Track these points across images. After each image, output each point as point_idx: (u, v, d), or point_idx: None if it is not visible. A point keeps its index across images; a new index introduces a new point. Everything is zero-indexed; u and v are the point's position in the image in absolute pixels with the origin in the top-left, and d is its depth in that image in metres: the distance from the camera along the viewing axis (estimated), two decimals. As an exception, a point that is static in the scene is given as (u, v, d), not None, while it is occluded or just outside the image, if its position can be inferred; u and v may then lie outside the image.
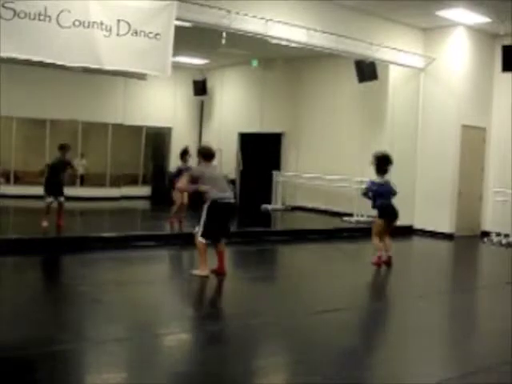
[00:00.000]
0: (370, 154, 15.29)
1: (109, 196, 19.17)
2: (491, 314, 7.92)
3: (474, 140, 14.64)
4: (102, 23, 9.25)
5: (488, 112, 14.88)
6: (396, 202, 10.46)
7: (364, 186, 10.76)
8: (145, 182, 20.94)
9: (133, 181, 20.67)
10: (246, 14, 11.06)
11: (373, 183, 10.39)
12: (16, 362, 5.03)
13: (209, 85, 21.06)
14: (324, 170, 17.14)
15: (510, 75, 13.55)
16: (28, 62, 9.82)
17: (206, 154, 8.77)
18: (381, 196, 10.23)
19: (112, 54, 9.48)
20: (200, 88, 20.95)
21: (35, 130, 18.86)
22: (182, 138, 21.05)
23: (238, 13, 10.90)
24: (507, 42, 13.34)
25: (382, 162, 10.32)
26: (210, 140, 20.81)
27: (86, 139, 19.73)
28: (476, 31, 14.24)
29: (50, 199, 11.74)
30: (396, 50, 13.78)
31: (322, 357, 5.56)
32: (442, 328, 7.15)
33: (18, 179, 18.17)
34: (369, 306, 8.17)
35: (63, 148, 12.09)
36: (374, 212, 10.51)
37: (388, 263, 10.23)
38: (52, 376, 4.77)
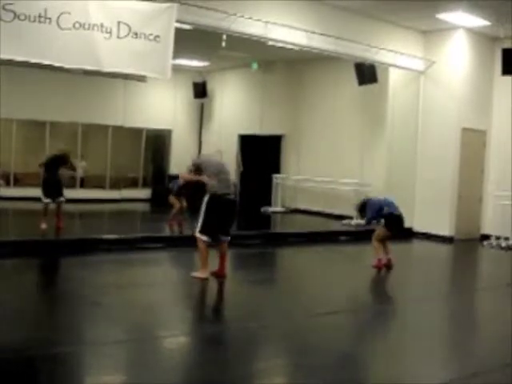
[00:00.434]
0: (371, 156, 15.38)
1: (108, 198, 19.17)
2: (491, 316, 7.92)
3: (473, 143, 14.63)
4: (102, 25, 9.25)
5: (488, 115, 14.87)
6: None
7: (366, 217, 10.44)
8: (145, 185, 20.93)
9: (133, 183, 20.67)
10: (245, 17, 11.06)
11: (368, 208, 10.32)
12: (15, 364, 5.02)
13: (209, 87, 21.06)
14: (324, 172, 17.14)
15: (510, 78, 13.55)
16: (28, 64, 9.80)
17: None
18: (383, 205, 10.19)
19: (112, 56, 9.49)
20: (200, 90, 20.96)
21: (35, 131, 18.85)
22: (182, 141, 21.12)
23: (237, 15, 10.91)
24: (507, 45, 13.34)
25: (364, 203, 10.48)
26: (210, 142, 20.89)
27: (85, 141, 19.73)
28: (476, 34, 14.24)
29: (46, 200, 11.71)
30: (396, 52, 13.79)
31: (322, 359, 5.55)
32: (442, 330, 7.15)
33: (18, 181, 18.17)
34: (369, 308, 8.15)
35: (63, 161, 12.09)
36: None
37: (388, 266, 10.22)
38: (51, 378, 4.77)
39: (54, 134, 18.64)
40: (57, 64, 9.21)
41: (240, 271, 9.95)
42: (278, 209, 18.18)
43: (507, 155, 14.36)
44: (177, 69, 14.67)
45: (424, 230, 14.59)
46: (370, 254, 10.57)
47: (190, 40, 13.42)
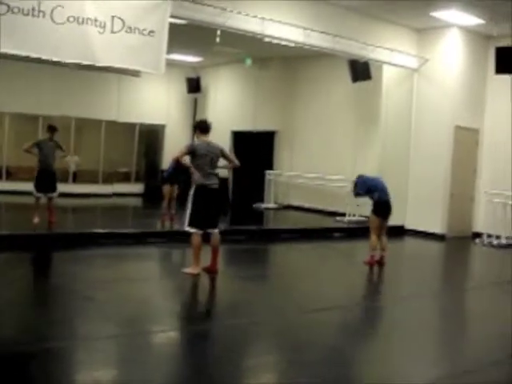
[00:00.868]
0: (364, 153, 15.41)
1: (101, 193, 19.15)
2: (482, 314, 7.94)
3: (466, 141, 14.67)
4: (96, 20, 9.22)
5: (481, 113, 14.91)
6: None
7: (353, 185, 10.72)
8: (137, 180, 20.93)
9: (125, 178, 20.66)
10: (242, 13, 11.05)
11: (363, 180, 10.38)
12: (6, 360, 5.01)
13: (203, 83, 21.04)
14: (317, 169, 17.17)
15: (503, 77, 13.58)
16: (21, 58, 9.78)
17: (203, 127, 8.75)
18: (376, 189, 10.21)
19: (106, 51, 9.46)
20: (194, 86, 20.94)
21: (28, 125, 18.78)
22: (175, 136, 21.07)
23: (234, 11, 10.89)
24: (501, 44, 13.37)
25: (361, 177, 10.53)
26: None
27: (79, 136, 19.69)
28: (470, 32, 14.26)
29: (38, 194, 11.68)
30: (390, 50, 13.79)
31: (313, 356, 5.56)
32: (433, 328, 7.17)
33: (11, 175, 18.13)
34: (360, 305, 8.17)
35: (52, 129, 11.95)
36: (366, 212, 10.52)
37: (380, 263, 10.24)
38: (43, 373, 4.76)
39: (47, 128, 18.56)
40: (50, 58, 9.19)
41: (232, 267, 9.95)
42: (271, 205, 18.19)
43: (500, 154, 14.41)
44: (171, 64, 14.64)
45: (416, 228, 14.63)
46: (362, 250, 10.59)
47: (184, 35, 13.39)
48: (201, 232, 8.41)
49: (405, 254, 13.09)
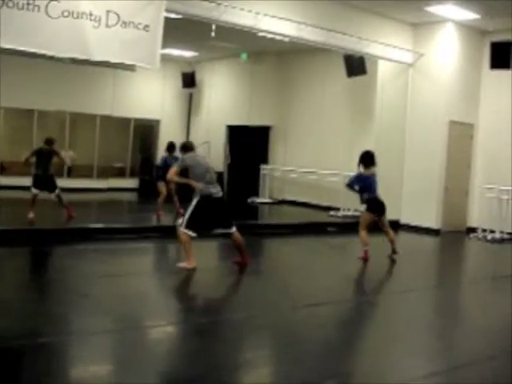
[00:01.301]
0: (358, 148, 15.40)
1: (96, 188, 19.13)
2: (477, 309, 7.98)
3: (461, 136, 14.69)
4: (91, 14, 9.19)
5: (476, 108, 14.92)
6: (382, 196, 10.48)
7: (349, 178, 10.74)
8: (132, 174, 20.90)
9: (120, 173, 20.63)
10: (236, 7, 11.03)
11: (359, 177, 10.42)
12: (1, 354, 5.01)
13: (198, 77, 21.01)
14: (312, 163, 17.19)
15: (498, 72, 13.60)
16: (15, 52, 9.74)
17: (188, 147, 8.86)
18: (367, 189, 10.28)
19: (101, 45, 9.44)
20: (189, 80, 20.92)
21: (22, 120, 18.75)
22: (170, 131, 21.05)
23: (228, 6, 10.87)
24: (496, 39, 13.38)
25: (368, 157, 10.46)
26: (198, 133, 20.87)
27: (73, 130, 19.66)
28: (465, 27, 14.27)
29: (35, 191, 11.72)
30: (385, 44, 13.79)
31: (308, 350, 5.58)
32: (428, 322, 7.19)
33: (5, 170, 18.07)
34: (355, 300, 8.20)
35: (48, 143, 12.06)
36: (361, 206, 10.56)
37: (393, 254, 10.45)
38: (38, 368, 4.76)
39: (41, 123, 18.57)
40: (45, 52, 9.17)
41: (226, 262, 9.95)
42: (266, 200, 18.20)
43: (494, 149, 14.45)
44: (166, 58, 14.65)
45: (411, 223, 14.65)
46: (356, 245, 10.61)
47: (179, 30, 13.39)
48: (194, 235, 8.44)
49: (399, 248, 13.08)
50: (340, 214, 15.45)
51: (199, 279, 8.43)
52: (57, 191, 12.04)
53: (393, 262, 10.37)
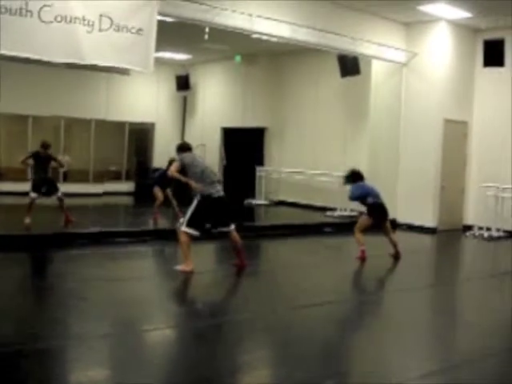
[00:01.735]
0: (353, 148, 15.46)
1: (92, 192, 19.10)
2: (475, 307, 7.99)
3: (456, 134, 14.71)
4: (84, 18, 9.19)
5: (470, 106, 14.95)
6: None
7: (352, 195, 10.74)
8: (128, 178, 20.89)
9: (116, 177, 20.62)
10: (229, 9, 11.03)
11: (356, 187, 10.51)
12: (0, 359, 5.00)
13: (192, 80, 21.03)
14: (307, 164, 17.21)
15: (491, 70, 13.64)
16: (8, 58, 9.73)
17: (184, 148, 8.90)
18: (369, 194, 10.38)
19: (94, 50, 9.43)
20: (183, 83, 20.93)
21: (17, 126, 18.72)
22: (165, 134, 21.07)
23: (221, 8, 10.88)
24: (489, 37, 13.41)
25: (357, 175, 10.61)
26: (193, 135, 20.84)
27: (68, 135, 19.63)
28: (458, 26, 14.29)
29: (33, 195, 11.71)
30: (378, 44, 13.80)
31: (307, 351, 5.58)
32: (425, 321, 7.19)
33: (1, 175, 18.04)
34: (353, 300, 8.20)
35: (45, 146, 12.04)
36: (357, 207, 10.60)
37: (396, 257, 10.57)
38: (37, 373, 4.76)
39: (36, 128, 18.54)
40: (39, 57, 9.14)
41: (224, 264, 9.95)
42: (262, 201, 18.21)
43: (489, 146, 14.48)
44: (160, 62, 14.64)
45: (407, 221, 14.66)
46: (353, 245, 10.62)
47: (172, 33, 13.39)
48: (196, 233, 8.44)
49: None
50: (336, 214, 15.46)
51: (197, 282, 8.42)
52: (59, 193, 12.03)
53: (396, 259, 10.46)
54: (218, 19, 11.00)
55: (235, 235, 8.78)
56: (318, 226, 14.11)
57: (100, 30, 9.39)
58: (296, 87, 18.13)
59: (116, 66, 10.24)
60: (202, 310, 7.30)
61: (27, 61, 10.50)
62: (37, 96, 17.97)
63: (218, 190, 8.64)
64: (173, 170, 8.54)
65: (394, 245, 10.54)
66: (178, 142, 20.03)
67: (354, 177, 10.60)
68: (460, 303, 8.49)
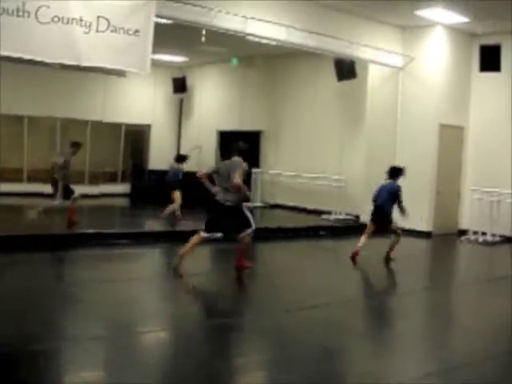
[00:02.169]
0: (349, 151, 15.44)
1: (87, 193, 19.03)
2: (471, 311, 8.00)
3: (451, 139, 14.73)
4: (81, 19, 9.18)
5: (466, 111, 14.97)
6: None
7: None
8: (124, 180, 20.85)
9: (112, 178, 20.58)
10: (226, 12, 11.04)
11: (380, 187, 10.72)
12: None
13: (188, 82, 21.03)
14: (303, 167, 17.20)
15: (488, 75, 13.67)
16: (4, 58, 9.71)
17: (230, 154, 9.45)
18: (374, 199, 10.47)
19: (91, 51, 9.42)
20: (179, 86, 20.93)
21: (13, 126, 18.66)
22: (161, 136, 21.07)
23: (218, 10, 10.88)
24: (485, 42, 13.44)
25: (389, 172, 10.91)
26: (189, 138, 20.86)
27: (64, 136, 19.56)
28: (454, 31, 14.32)
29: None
30: (375, 48, 13.82)
31: (303, 354, 5.58)
32: (422, 324, 7.21)
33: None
34: (350, 302, 8.19)
35: (76, 145, 12.11)
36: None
37: (387, 259, 10.66)
38: (33, 374, 4.75)
39: (32, 129, 18.51)
40: (35, 58, 9.13)
41: (220, 266, 9.96)
42: (258, 204, 18.19)
43: (484, 151, 14.50)
44: (156, 64, 14.62)
45: (402, 226, 14.60)
46: (349, 248, 10.63)
47: (169, 35, 13.40)
48: (208, 235, 8.71)
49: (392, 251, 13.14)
50: (332, 217, 15.46)
51: (195, 284, 8.42)
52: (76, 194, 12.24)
53: (387, 263, 10.51)
54: (216, 22, 10.99)
55: (241, 240, 8.99)
56: (314, 229, 14.09)
57: (97, 31, 9.38)
58: (292, 90, 18.13)
59: (113, 67, 10.23)
60: (200, 312, 7.30)
61: (23, 61, 10.46)
62: (33, 96, 17.94)
63: (224, 198, 8.83)
64: (203, 174, 8.93)
65: (389, 249, 10.52)
66: (174, 144, 20.10)
67: (389, 174, 10.73)
68: (456, 307, 8.50)
